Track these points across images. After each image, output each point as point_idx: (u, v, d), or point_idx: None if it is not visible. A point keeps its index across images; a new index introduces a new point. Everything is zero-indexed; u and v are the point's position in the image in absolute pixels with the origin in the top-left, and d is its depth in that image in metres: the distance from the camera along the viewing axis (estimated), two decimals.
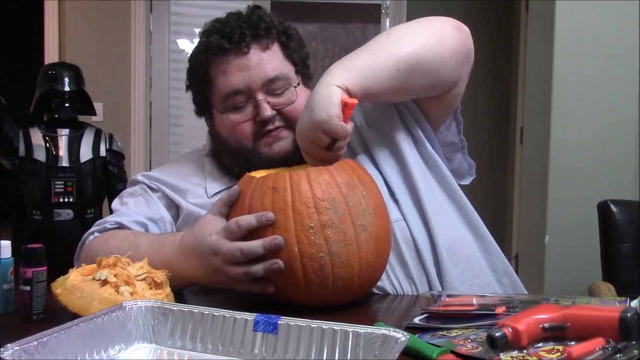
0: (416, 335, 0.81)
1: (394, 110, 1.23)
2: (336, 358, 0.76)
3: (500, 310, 0.89)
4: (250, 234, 0.96)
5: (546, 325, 0.77)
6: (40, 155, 2.39)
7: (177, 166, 1.32)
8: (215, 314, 0.83)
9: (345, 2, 4.56)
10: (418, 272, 1.13)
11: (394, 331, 0.74)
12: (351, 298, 1.02)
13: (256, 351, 0.80)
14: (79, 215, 2.39)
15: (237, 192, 1.02)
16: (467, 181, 1.31)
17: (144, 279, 0.95)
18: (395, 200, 1.17)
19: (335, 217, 0.95)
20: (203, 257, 0.99)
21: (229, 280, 0.98)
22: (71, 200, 2.39)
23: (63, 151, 2.41)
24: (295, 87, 1.20)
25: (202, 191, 1.23)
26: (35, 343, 0.70)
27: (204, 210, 1.10)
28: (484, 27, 3.91)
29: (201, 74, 1.21)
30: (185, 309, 0.84)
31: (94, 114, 2.61)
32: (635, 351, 0.71)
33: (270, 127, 1.17)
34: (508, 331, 0.76)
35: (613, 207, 2.06)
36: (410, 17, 3.98)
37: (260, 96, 1.17)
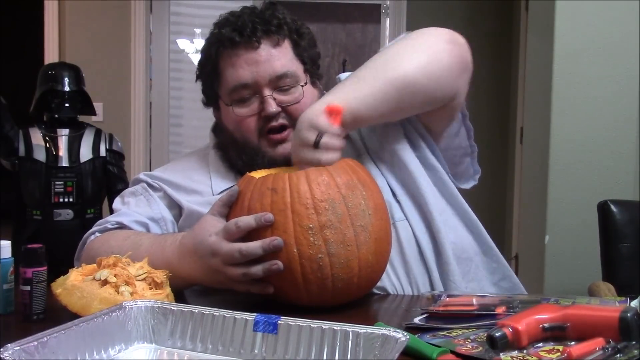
0: (416, 335, 0.81)
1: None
2: (336, 358, 0.76)
3: (500, 310, 0.89)
4: (250, 234, 0.96)
5: (546, 325, 0.78)
6: (40, 155, 2.39)
7: (180, 163, 1.32)
8: (215, 314, 0.83)
9: (345, 2, 4.57)
10: (420, 272, 1.14)
11: (394, 331, 0.74)
12: (351, 298, 1.01)
13: (256, 351, 0.80)
14: (79, 215, 2.39)
15: (236, 193, 1.02)
16: (468, 185, 1.30)
17: (144, 279, 0.95)
18: (398, 201, 1.17)
19: (334, 218, 0.95)
20: (203, 257, 0.99)
21: (229, 280, 0.98)
22: (71, 200, 2.38)
23: (63, 151, 2.41)
24: (302, 85, 1.20)
25: (206, 189, 1.22)
26: (35, 343, 0.70)
27: (207, 209, 1.11)
28: (484, 27, 3.91)
29: (210, 65, 1.21)
30: (185, 309, 0.84)
31: (94, 114, 2.61)
32: (635, 351, 0.71)
33: (274, 123, 1.17)
34: (508, 331, 0.76)
35: (613, 207, 2.05)
36: (410, 17, 4.00)
37: (267, 92, 1.17)
